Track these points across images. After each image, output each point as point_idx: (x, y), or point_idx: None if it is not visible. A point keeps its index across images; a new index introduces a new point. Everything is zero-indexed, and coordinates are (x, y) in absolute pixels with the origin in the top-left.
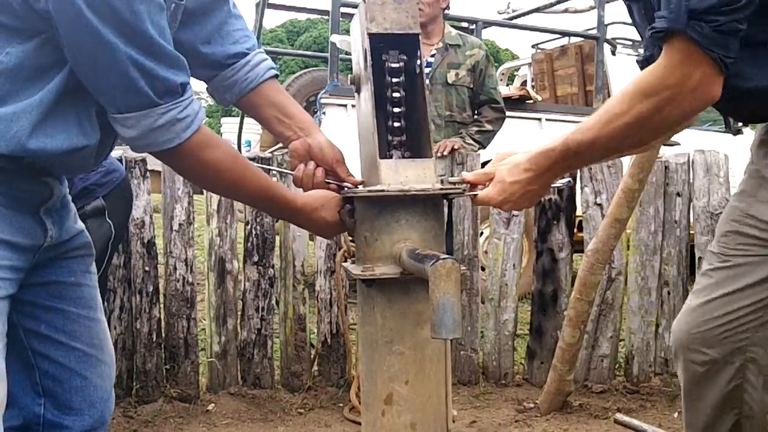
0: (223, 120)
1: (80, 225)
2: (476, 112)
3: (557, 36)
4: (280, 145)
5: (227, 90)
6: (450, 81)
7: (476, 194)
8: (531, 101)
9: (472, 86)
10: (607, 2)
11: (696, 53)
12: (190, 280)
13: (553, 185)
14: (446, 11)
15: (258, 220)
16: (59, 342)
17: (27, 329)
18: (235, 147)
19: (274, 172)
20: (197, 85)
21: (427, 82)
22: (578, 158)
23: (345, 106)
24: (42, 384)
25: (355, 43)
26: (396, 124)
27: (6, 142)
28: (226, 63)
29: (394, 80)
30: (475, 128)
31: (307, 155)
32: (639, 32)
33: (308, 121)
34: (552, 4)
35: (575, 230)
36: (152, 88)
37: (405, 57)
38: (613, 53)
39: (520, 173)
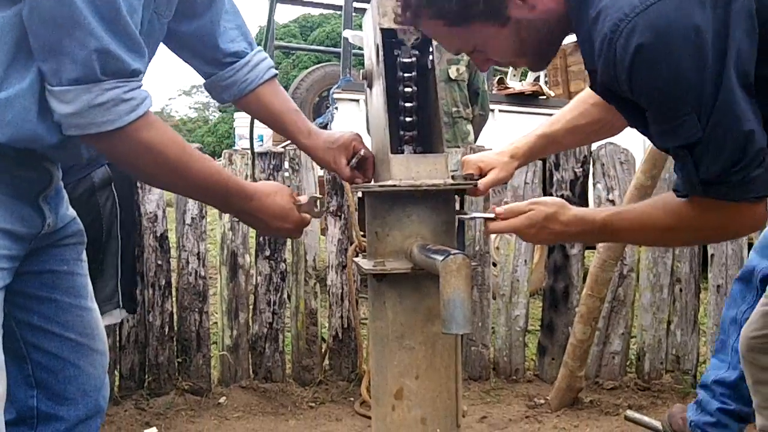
0: (236, 114)
1: (72, 212)
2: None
3: None
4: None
5: (225, 90)
6: (453, 77)
7: (494, 219)
8: (544, 97)
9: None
10: None
11: (731, 204)
12: (203, 273)
13: None
14: None
15: None
16: (52, 333)
17: (19, 320)
18: (248, 142)
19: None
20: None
21: None
22: (611, 239)
23: (357, 101)
24: (35, 375)
25: (367, 39)
26: (408, 119)
27: (2, 130)
28: (224, 62)
29: (406, 75)
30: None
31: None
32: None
33: (308, 130)
34: None
35: None
36: (101, 62)
37: (417, 52)
38: None
39: (555, 224)
